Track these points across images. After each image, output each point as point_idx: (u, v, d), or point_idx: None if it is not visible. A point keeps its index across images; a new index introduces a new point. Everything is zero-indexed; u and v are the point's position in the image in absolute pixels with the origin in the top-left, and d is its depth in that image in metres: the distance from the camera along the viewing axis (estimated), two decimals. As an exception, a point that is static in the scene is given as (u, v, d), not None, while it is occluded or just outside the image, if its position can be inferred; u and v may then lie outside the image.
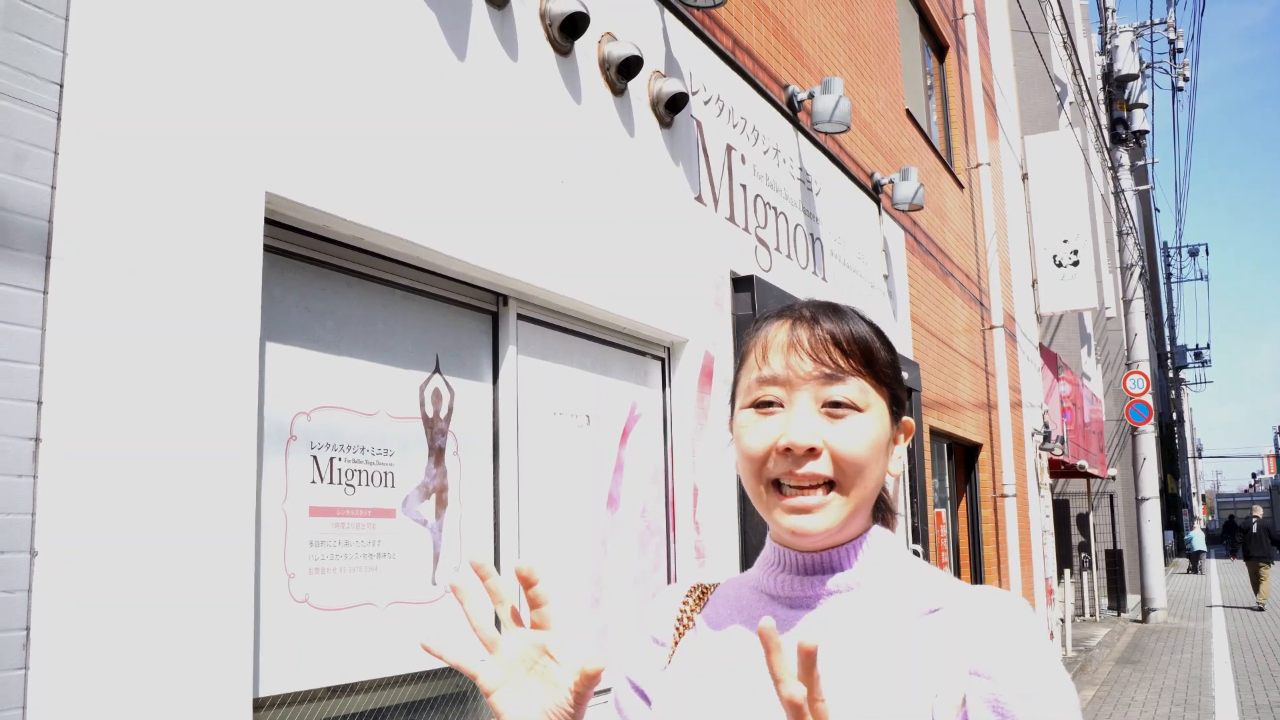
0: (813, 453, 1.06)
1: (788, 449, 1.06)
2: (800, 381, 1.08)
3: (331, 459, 2.86)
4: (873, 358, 1.11)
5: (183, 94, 2.34)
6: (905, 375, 1.21)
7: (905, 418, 1.17)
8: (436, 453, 3.24)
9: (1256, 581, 20.07)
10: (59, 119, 2.09)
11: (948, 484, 9.52)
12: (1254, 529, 20.26)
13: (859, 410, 1.08)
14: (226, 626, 2.33)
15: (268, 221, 2.57)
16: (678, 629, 1.21)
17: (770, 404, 1.09)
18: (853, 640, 1.06)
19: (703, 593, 1.24)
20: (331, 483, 2.85)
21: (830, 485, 1.08)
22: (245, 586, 2.40)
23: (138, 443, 2.17)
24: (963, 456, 9.99)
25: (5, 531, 1.95)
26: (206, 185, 2.37)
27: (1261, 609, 19.87)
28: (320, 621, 2.77)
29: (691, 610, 1.22)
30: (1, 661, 1.93)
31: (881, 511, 1.20)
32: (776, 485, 1.08)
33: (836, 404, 1.07)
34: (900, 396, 1.16)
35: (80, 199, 2.10)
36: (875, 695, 1.01)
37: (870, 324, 1.15)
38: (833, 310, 1.14)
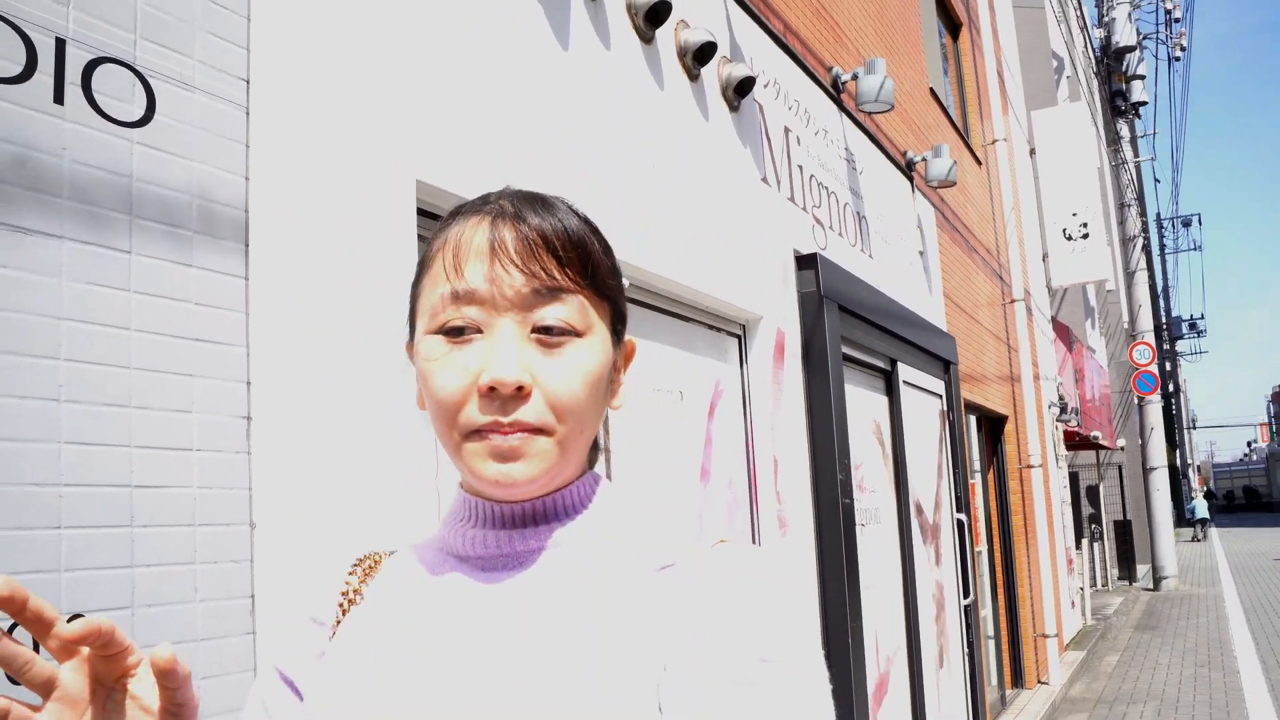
0: (521, 392, 0.85)
1: (492, 388, 0.84)
2: (504, 301, 0.86)
3: (471, 436, 2.97)
4: (594, 265, 0.91)
5: (346, 85, 2.44)
6: (626, 284, 1.00)
7: (628, 338, 0.98)
8: (555, 429, 3.35)
9: None
10: (247, 113, 2.19)
11: (977, 455, 9.67)
12: None
13: (578, 335, 0.88)
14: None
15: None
16: (342, 605, 0.98)
17: (464, 330, 0.87)
18: (563, 605, 0.87)
19: (374, 562, 1.02)
20: (472, 459, 2.96)
21: (539, 430, 0.87)
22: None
23: (325, 421, 2.27)
24: (989, 428, 10.13)
25: (229, 505, 2.05)
26: (366, 172, 2.47)
27: None
28: (471, 592, 2.87)
29: (360, 583, 0.99)
30: (233, 627, 2.04)
31: (592, 450, 1.00)
32: (478, 433, 0.87)
33: (550, 329, 0.87)
34: (623, 311, 0.96)
35: (267, 189, 2.20)
36: (591, 672, 0.82)
37: (583, 217, 0.95)
38: (540, 202, 0.92)
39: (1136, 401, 19.14)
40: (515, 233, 0.87)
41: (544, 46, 3.24)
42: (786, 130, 5.21)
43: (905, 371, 6.60)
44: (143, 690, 0.77)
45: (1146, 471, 19.20)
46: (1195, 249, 36.66)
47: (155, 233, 1.96)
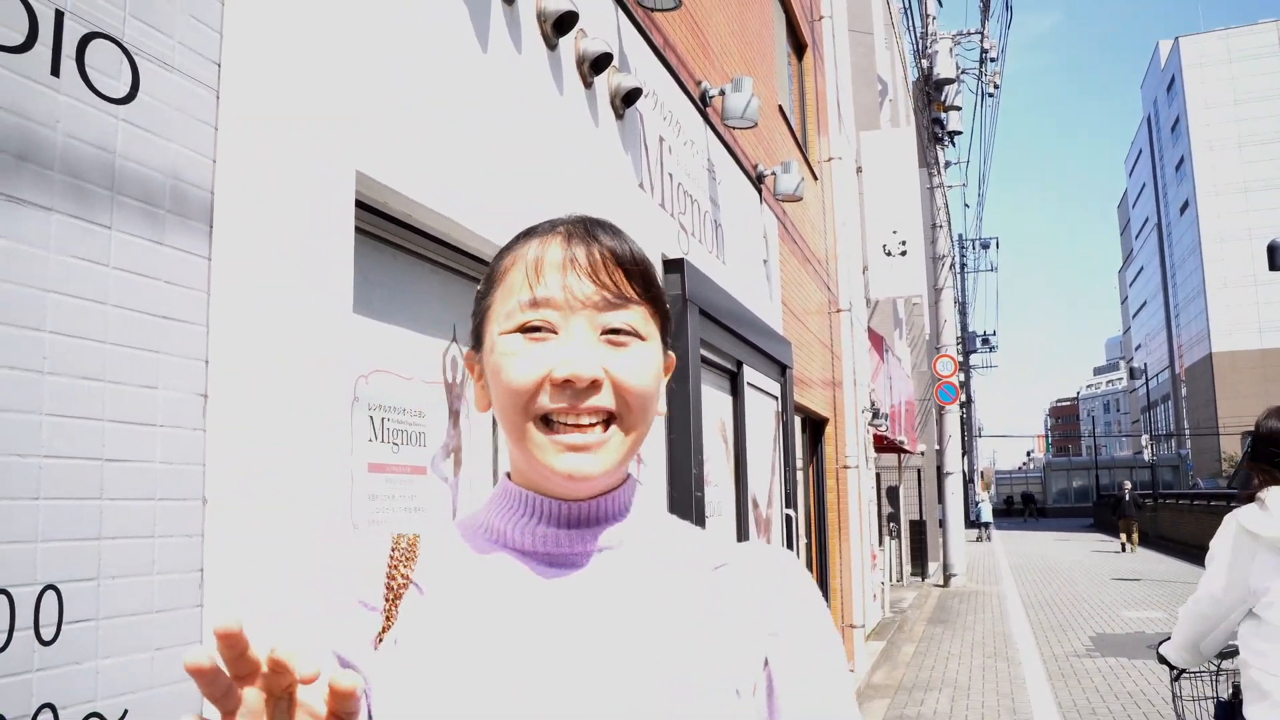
0: (594, 385, 0.94)
1: (568, 381, 0.93)
2: (578, 305, 0.96)
3: (383, 419, 3.06)
4: (652, 282, 1.01)
5: (301, 76, 2.51)
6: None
7: (669, 352, 1.07)
8: (454, 415, 3.46)
9: (1129, 534, 28.43)
10: (218, 96, 2.24)
11: (801, 455, 10.17)
12: (1126, 498, 28.51)
13: (641, 339, 0.98)
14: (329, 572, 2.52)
15: (349, 197, 2.75)
16: (391, 590, 1.01)
17: (540, 329, 0.95)
18: (639, 602, 0.96)
19: (409, 546, 1.05)
20: (383, 441, 3.05)
21: (608, 422, 0.96)
22: (341, 535, 2.60)
23: (273, 401, 2.34)
24: (812, 430, 10.66)
25: (182, 481, 2.11)
26: (315, 162, 2.54)
27: (1124, 550, 28.08)
28: (377, 571, 2.97)
29: (402, 567, 1.03)
30: (182, 599, 2.09)
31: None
32: (545, 421, 0.95)
33: (618, 330, 0.97)
34: (670, 327, 1.07)
35: (231, 173, 2.26)
36: (673, 665, 0.92)
37: (639, 245, 1.05)
38: (607, 227, 1.03)
39: (936, 410, 20.37)
40: (587, 249, 0.97)
41: (467, 48, 3.35)
42: (661, 139, 5.43)
43: (749, 374, 6.94)
44: (309, 697, 0.76)
45: (942, 476, 20.46)
46: (992, 270, 39.35)
47: (133, 210, 2.00)
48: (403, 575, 1.02)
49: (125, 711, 1.92)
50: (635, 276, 0.99)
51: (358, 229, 2.95)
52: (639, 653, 0.92)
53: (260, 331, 2.33)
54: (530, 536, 0.99)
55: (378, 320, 3.06)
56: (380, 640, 0.99)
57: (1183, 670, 3.27)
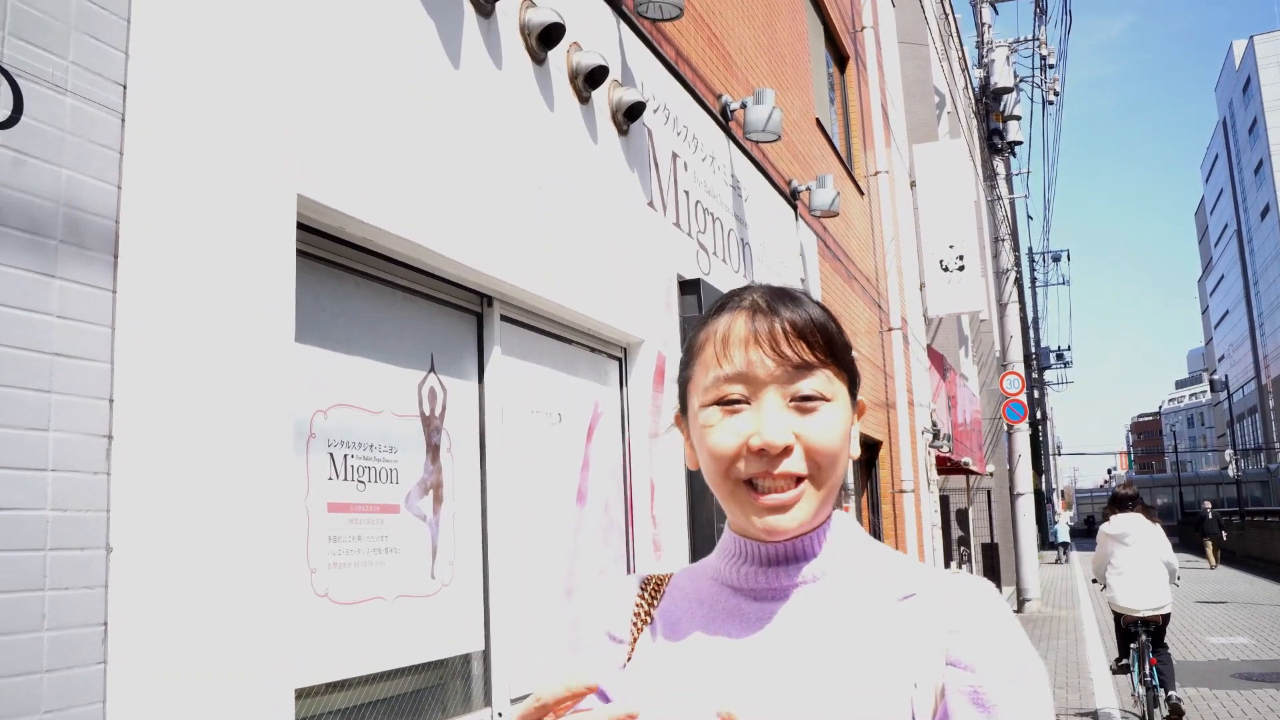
0: (786, 451, 1.03)
1: (762, 449, 1.02)
2: (766, 378, 1.05)
3: (345, 456, 2.91)
4: (833, 344, 1.08)
5: (229, 96, 2.38)
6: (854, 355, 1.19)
7: (859, 398, 1.15)
8: (433, 450, 3.31)
9: (1204, 549, 30.22)
10: (123, 120, 2.12)
11: (852, 480, 9.86)
12: (1210, 515, 31.05)
13: (827, 400, 1.06)
14: (268, 619, 2.37)
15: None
16: (635, 625, 1.15)
17: (735, 401, 1.05)
18: (825, 631, 1.05)
19: (656, 585, 1.19)
20: (346, 479, 2.90)
21: (801, 478, 1.05)
22: (285, 581, 2.45)
23: (192, 441, 2.20)
24: (864, 454, 10.35)
25: (83, 529, 1.97)
26: (246, 186, 2.41)
27: (1213, 568, 28.94)
28: (339, 615, 2.82)
29: (648, 605, 1.17)
30: (83, 656, 1.95)
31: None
32: (748, 483, 1.05)
33: (806, 397, 1.05)
34: (857, 379, 1.14)
35: (141, 200, 2.13)
36: (853, 687, 1.00)
37: (822, 306, 1.12)
38: (787, 296, 1.10)
39: (1006, 429, 19.80)
40: (769, 324, 1.05)
41: (435, 64, 3.21)
42: (674, 155, 5.26)
43: (784, 397, 6.71)
44: None
45: (1014, 497, 19.83)
46: (1064, 283, 38.30)
47: (14, 240, 1.88)
48: (647, 611, 1.15)
49: (5, 781, 1.78)
50: (816, 344, 1.06)
51: (311, 256, 2.82)
52: (816, 679, 1.01)
53: (180, 367, 2.19)
54: (738, 574, 1.11)
55: (336, 351, 2.92)
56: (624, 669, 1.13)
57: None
